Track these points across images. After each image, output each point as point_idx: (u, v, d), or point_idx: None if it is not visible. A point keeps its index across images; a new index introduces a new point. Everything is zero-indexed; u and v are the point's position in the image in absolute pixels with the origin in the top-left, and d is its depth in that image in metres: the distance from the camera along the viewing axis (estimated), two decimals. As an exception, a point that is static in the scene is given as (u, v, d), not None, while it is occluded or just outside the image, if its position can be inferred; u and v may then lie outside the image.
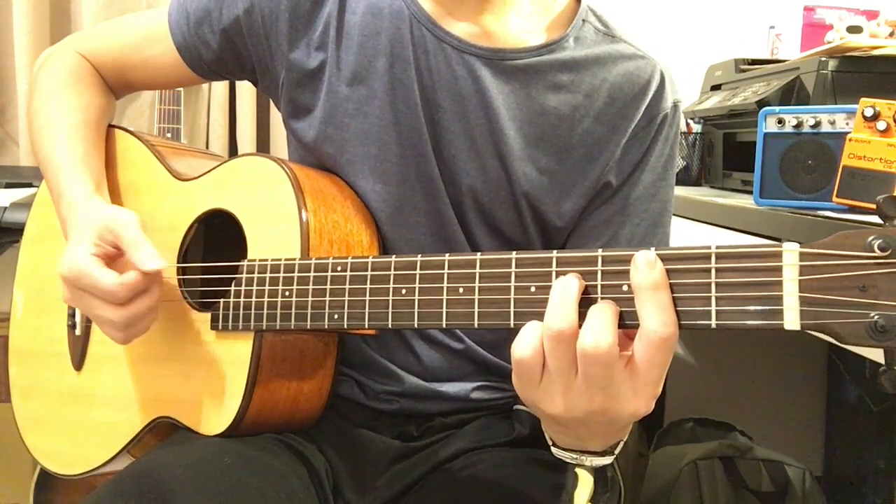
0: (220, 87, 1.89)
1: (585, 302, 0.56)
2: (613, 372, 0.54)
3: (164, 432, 0.87)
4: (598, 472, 0.88)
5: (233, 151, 1.91)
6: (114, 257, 0.79)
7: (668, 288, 0.53)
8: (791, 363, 2.00)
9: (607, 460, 0.65)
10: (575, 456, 0.66)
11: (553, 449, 0.67)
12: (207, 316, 0.81)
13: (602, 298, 0.56)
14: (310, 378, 0.82)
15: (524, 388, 0.59)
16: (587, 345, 0.54)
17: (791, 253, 0.50)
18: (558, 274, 0.58)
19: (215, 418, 0.80)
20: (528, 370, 0.57)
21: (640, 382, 0.55)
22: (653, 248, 0.55)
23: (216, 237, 0.92)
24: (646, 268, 0.53)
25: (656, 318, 0.53)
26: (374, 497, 0.84)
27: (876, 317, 0.48)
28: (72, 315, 0.95)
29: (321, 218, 0.79)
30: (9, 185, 1.58)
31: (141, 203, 0.92)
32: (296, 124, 0.89)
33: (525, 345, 0.56)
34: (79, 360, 0.94)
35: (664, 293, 0.53)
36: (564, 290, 0.56)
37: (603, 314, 0.54)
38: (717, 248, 0.53)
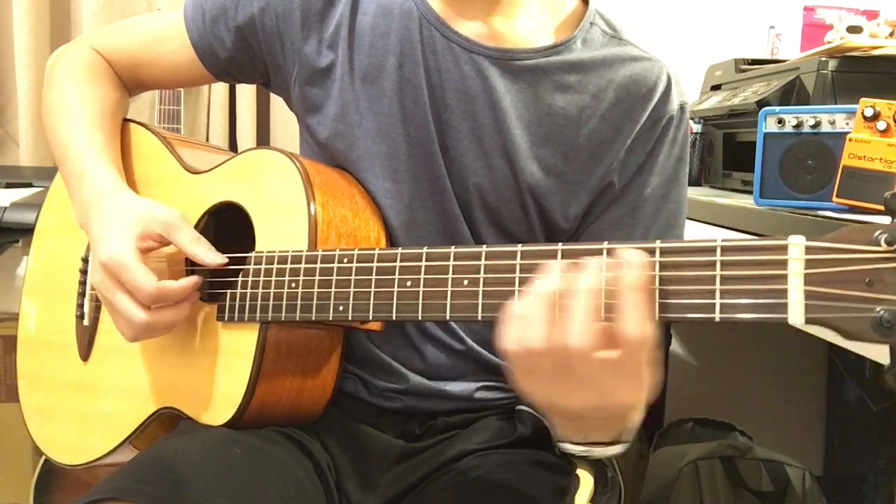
0: (220, 88, 1.89)
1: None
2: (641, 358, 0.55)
3: (168, 423, 0.87)
4: (598, 473, 0.88)
5: (233, 151, 1.91)
6: (152, 251, 0.81)
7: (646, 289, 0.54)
8: (791, 363, 2.00)
9: (617, 449, 0.65)
10: (584, 449, 0.65)
11: (562, 445, 0.67)
12: (214, 307, 0.81)
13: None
14: (314, 373, 0.82)
15: (529, 382, 0.59)
16: (630, 333, 0.54)
17: (797, 247, 0.50)
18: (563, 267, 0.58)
19: (218, 409, 0.80)
20: (529, 363, 0.57)
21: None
22: (658, 243, 0.55)
23: (227, 229, 0.92)
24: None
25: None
26: (377, 494, 0.84)
27: (882, 311, 0.48)
28: (80, 305, 0.95)
29: (329, 212, 0.80)
30: (9, 185, 1.58)
31: (153, 195, 0.92)
32: (310, 121, 0.90)
33: (510, 340, 0.57)
34: (86, 351, 0.94)
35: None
36: (538, 300, 0.56)
37: (638, 303, 0.54)
38: (723, 240, 0.53)
